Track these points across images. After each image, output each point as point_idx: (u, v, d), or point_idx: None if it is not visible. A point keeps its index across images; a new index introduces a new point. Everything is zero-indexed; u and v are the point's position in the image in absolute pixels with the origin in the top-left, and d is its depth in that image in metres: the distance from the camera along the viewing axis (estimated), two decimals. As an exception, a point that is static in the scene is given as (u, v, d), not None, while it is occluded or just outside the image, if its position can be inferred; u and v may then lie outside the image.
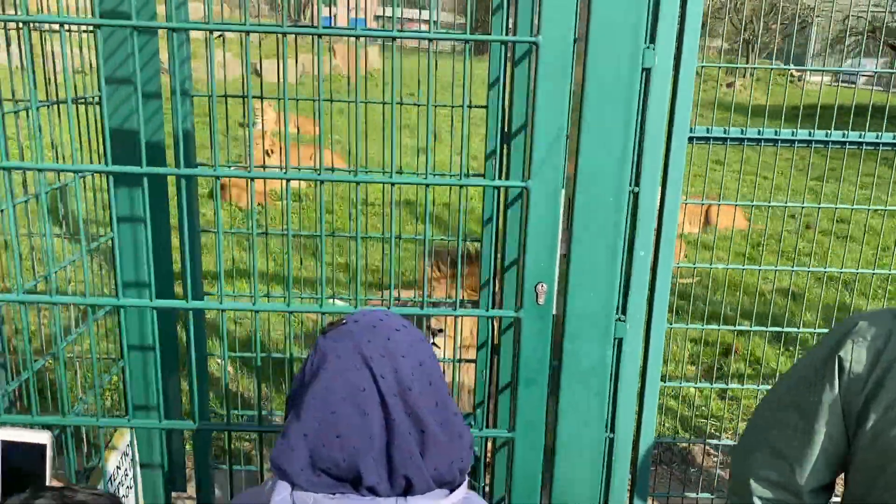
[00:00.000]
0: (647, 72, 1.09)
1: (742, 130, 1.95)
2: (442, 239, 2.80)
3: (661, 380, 1.78)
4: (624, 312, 1.19)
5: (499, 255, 2.34)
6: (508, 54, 2.18)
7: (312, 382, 0.98)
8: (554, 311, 1.20)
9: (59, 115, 2.02)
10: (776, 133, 1.95)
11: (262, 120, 9.23)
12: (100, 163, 2.19)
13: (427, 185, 1.27)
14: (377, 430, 0.95)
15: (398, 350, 0.98)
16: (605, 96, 1.09)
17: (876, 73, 2.13)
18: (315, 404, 0.97)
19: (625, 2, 1.05)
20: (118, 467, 2.16)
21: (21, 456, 1.15)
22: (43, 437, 1.16)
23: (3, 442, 1.16)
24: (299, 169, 2.50)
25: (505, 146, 2.24)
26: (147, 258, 2.07)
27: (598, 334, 1.19)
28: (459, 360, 2.82)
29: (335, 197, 7.42)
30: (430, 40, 1.24)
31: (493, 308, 2.42)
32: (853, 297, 3.48)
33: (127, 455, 2.25)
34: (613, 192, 1.13)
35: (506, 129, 2.23)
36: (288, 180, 1.35)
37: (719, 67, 2.20)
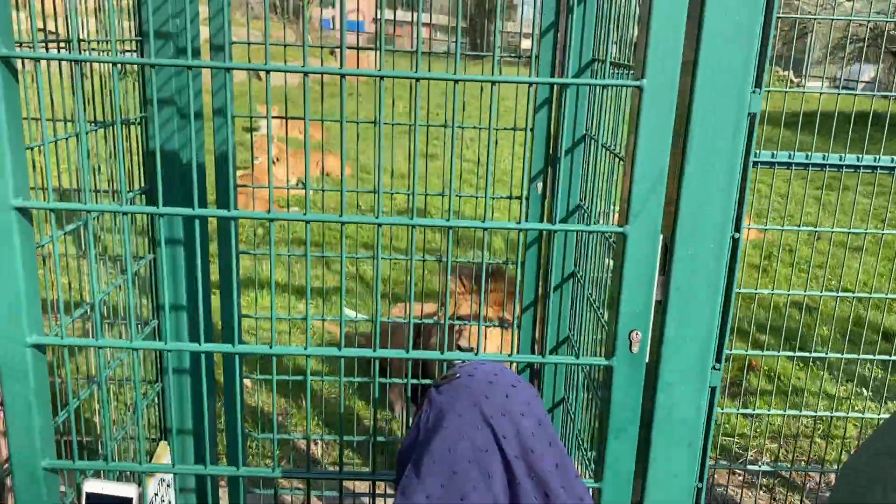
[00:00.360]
0: (752, 117, 1.05)
1: (807, 156, 1.92)
2: (469, 262, 2.77)
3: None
4: (718, 360, 1.16)
5: (541, 281, 2.32)
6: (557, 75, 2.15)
7: (431, 440, 0.95)
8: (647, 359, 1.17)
9: (105, 139, 1.98)
10: (841, 159, 1.92)
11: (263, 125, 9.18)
12: (140, 184, 2.15)
13: (485, 229, 1.23)
14: (501, 492, 0.92)
15: (517, 408, 0.95)
16: (710, 143, 1.06)
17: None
18: (437, 464, 0.93)
19: (734, 45, 1.02)
20: (156, 494, 2.12)
21: None
22: (130, 491, 1.13)
23: (89, 494, 1.13)
24: (322, 209, 2.46)
25: (550, 169, 2.22)
26: (188, 286, 2.02)
27: (693, 384, 1.15)
28: None
29: (335, 202, 7.37)
30: (493, 83, 1.21)
31: (534, 331, 2.40)
32: (868, 311, 3.46)
33: (164, 481, 2.22)
34: (715, 239, 1.10)
35: (551, 152, 2.21)
36: (307, 222, 1.31)
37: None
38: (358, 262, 5.79)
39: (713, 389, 1.19)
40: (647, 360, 1.17)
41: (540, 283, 2.28)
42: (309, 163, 1.33)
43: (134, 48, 2.11)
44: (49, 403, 1.23)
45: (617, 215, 1.32)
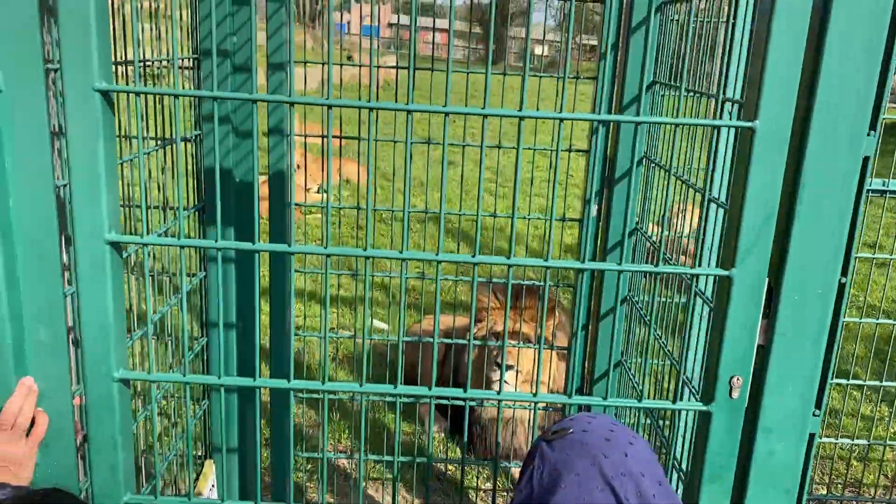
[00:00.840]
0: (865, 160, 1.03)
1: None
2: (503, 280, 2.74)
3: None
4: (818, 406, 1.13)
5: (593, 302, 2.29)
6: (615, 97, 2.13)
7: (549, 500, 0.92)
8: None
9: (166, 157, 1.96)
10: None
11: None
12: (195, 201, 2.13)
13: (547, 268, 1.20)
14: None
15: (637, 468, 0.91)
16: (822, 187, 1.03)
17: None
18: None
19: (851, 89, 0.99)
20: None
21: None
22: None
23: None
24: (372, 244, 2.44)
25: (606, 191, 2.19)
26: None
27: (794, 431, 1.13)
28: (546, 408, 2.75)
29: (363, 212, 7.35)
30: (560, 120, 1.18)
31: (585, 354, 2.37)
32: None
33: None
34: (823, 284, 1.07)
35: (607, 174, 2.19)
36: (368, 258, 1.28)
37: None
38: (382, 270, 5.77)
39: (812, 436, 1.16)
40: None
41: (592, 306, 2.25)
42: (331, 170, 1.29)
43: (190, 65, 2.10)
44: (132, 440, 1.21)
45: (692, 254, 1.30)
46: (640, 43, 2.00)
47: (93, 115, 1.01)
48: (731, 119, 1.12)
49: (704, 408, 1.14)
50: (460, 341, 2.81)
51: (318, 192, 7.84)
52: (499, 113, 1.21)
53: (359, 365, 4.18)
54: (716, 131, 1.44)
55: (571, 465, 0.92)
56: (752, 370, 1.12)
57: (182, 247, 1.12)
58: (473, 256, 1.24)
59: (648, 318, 1.91)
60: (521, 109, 1.19)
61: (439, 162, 8.56)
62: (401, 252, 1.24)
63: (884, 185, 1.92)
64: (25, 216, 1.07)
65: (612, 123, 2.08)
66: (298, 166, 8.28)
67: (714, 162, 1.90)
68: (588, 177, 2.14)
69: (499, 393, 1.27)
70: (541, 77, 2.55)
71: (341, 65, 2.71)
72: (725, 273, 1.07)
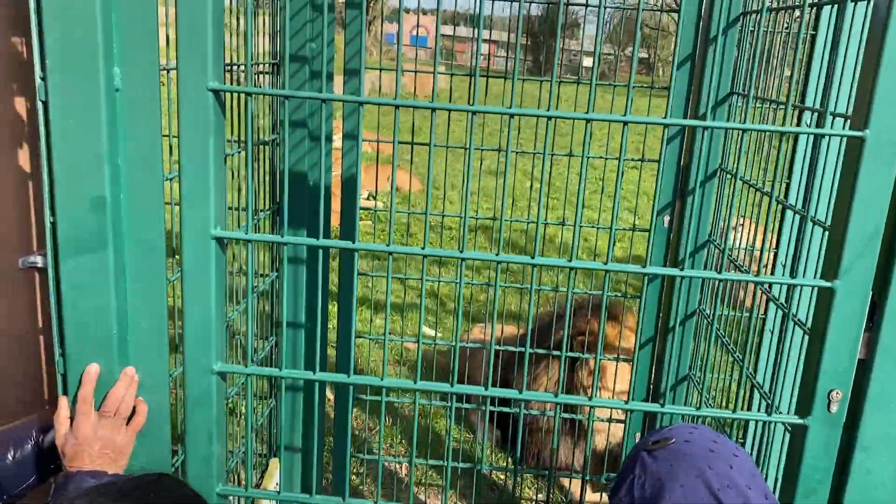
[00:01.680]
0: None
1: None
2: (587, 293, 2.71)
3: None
4: (921, 423, 1.10)
5: (662, 314, 2.27)
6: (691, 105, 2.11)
7: None
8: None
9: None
10: None
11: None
12: (267, 204, 2.17)
13: (607, 271, 1.19)
14: None
15: (742, 480, 0.90)
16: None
17: None
18: None
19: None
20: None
21: None
22: None
23: None
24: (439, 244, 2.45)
25: (678, 203, 2.17)
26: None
27: (893, 448, 1.10)
28: (610, 420, 2.73)
29: (412, 218, 7.39)
30: (666, 126, 1.17)
31: (650, 368, 2.35)
32: None
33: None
34: (930, 298, 1.04)
35: (682, 186, 2.17)
36: (424, 257, 1.28)
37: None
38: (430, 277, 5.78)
39: (915, 454, 1.13)
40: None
41: (660, 319, 2.23)
42: (395, 178, 1.30)
43: (268, 70, 2.15)
44: (225, 433, 1.24)
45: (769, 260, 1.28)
46: (716, 53, 1.98)
47: (205, 113, 1.04)
48: (839, 129, 1.10)
49: (801, 421, 1.12)
50: (510, 347, 2.80)
51: (367, 198, 7.90)
52: (566, 116, 1.21)
53: (410, 370, 4.20)
54: (793, 142, 1.42)
55: (675, 475, 0.91)
56: (851, 384, 1.10)
57: (284, 244, 1.14)
58: (533, 258, 1.24)
59: (720, 331, 1.89)
60: (588, 112, 1.20)
61: (488, 172, 8.57)
62: (460, 251, 1.24)
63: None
64: (136, 211, 1.11)
65: (686, 133, 2.07)
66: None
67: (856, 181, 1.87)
68: (658, 187, 2.12)
69: (556, 396, 1.26)
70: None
71: (402, 71, 2.74)
72: (827, 284, 1.06)
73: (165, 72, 1.18)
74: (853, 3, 1.29)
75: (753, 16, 2.00)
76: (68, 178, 1.08)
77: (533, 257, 1.24)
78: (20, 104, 1.90)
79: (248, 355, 1.18)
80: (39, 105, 1.08)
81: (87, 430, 1.15)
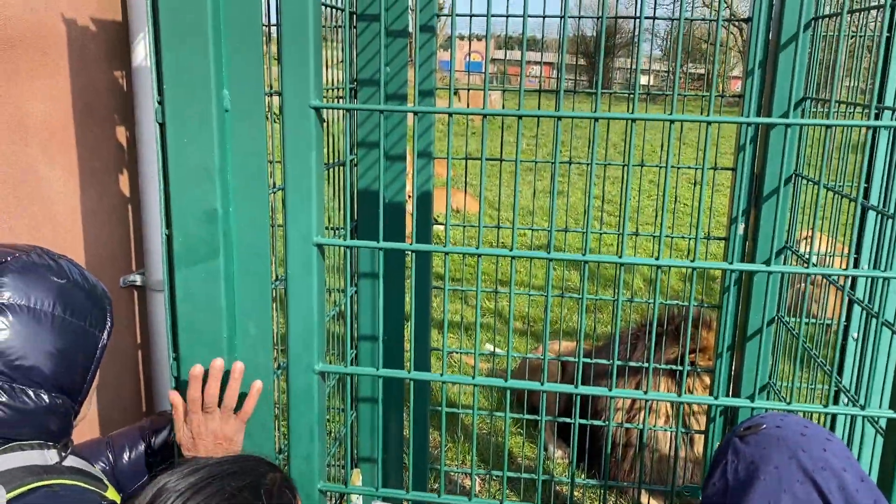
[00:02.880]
0: None
1: None
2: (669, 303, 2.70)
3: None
4: None
5: (738, 326, 2.25)
6: (762, 113, 2.12)
7: (748, 491, 0.93)
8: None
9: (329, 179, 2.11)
10: None
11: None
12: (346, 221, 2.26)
13: (694, 269, 1.21)
14: None
15: (838, 462, 0.91)
16: None
17: None
18: None
19: None
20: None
21: None
22: None
23: None
24: (510, 246, 2.51)
25: (753, 210, 2.17)
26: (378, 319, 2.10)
27: None
28: (687, 431, 2.71)
29: (469, 239, 7.45)
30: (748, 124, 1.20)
31: (729, 378, 2.34)
32: None
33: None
34: None
35: (754, 193, 2.17)
36: (478, 256, 1.32)
37: None
38: (497, 298, 5.83)
39: None
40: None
41: (738, 328, 2.21)
42: (449, 200, 1.34)
43: (342, 95, 2.25)
44: (325, 431, 1.30)
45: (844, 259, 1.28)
46: (789, 60, 1.99)
47: (308, 129, 1.13)
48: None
49: (892, 414, 1.12)
50: (568, 358, 2.80)
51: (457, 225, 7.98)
52: (650, 117, 1.24)
53: (481, 389, 4.23)
54: (871, 141, 1.42)
55: (769, 458, 0.93)
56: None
57: (381, 249, 1.21)
58: (620, 257, 1.27)
59: (798, 334, 1.87)
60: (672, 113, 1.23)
61: (544, 192, 8.58)
62: (548, 252, 1.29)
63: None
64: (244, 221, 1.19)
65: (759, 139, 2.07)
66: (410, 196, 8.48)
67: (871, 171, 1.86)
68: (734, 194, 2.13)
69: (645, 393, 1.28)
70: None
71: (455, 90, 2.80)
72: (883, 274, 1.06)
73: (269, 95, 1.27)
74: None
75: (825, 20, 2.00)
76: (182, 192, 1.17)
77: (620, 256, 1.27)
78: (121, 133, 2.04)
79: (345, 356, 1.25)
80: (156, 127, 1.17)
81: (198, 425, 1.23)
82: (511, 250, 1.31)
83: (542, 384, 1.48)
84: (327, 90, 2.14)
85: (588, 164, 1.46)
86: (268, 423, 1.29)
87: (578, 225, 8.16)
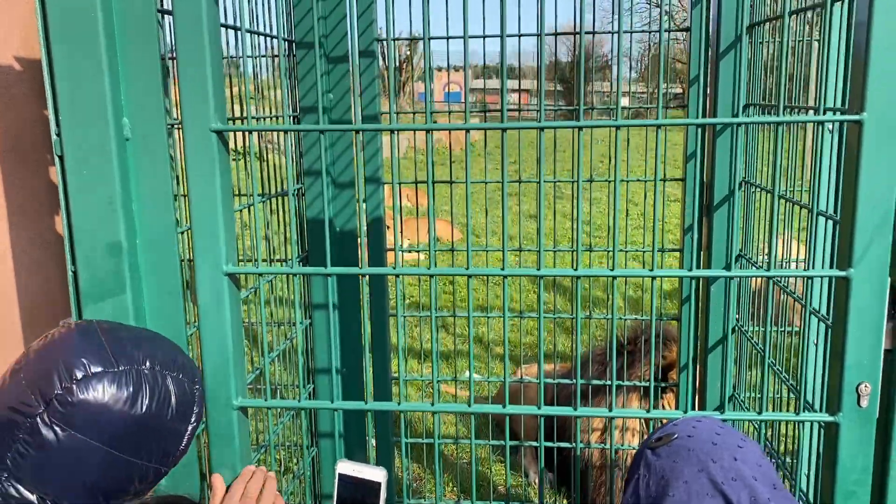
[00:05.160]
0: None
1: None
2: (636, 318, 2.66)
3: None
4: (962, 414, 1.05)
5: (699, 337, 2.22)
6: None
7: None
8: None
9: (272, 209, 2.07)
10: None
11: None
12: (299, 251, 2.22)
13: (653, 278, 1.19)
14: None
15: (748, 471, 0.87)
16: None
17: None
18: None
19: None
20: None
21: (356, 490, 1.14)
22: (379, 476, 1.14)
23: (341, 475, 1.17)
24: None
25: (706, 219, 2.14)
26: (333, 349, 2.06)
27: (936, 442, 1.05)
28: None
29: (456, 265, 7.37)
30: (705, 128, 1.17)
31: (694, 390, 2.29)
32: None
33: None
34: (952, 281, 1.01)
35: (705, 202, 2.14)
36: (470, 276, 1.29)
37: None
38: (476, 324, 5.76)
39: (959, 448, 1.07)
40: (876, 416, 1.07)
41: (699, 339, 2.18)
42: (433, 227, 1.31)
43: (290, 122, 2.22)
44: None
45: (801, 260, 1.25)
46: (729, 69, 1.98)
47: (210, 153, 1.09)
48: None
49: (831, 419, 1.08)
50: (562, 380, 2.75)
51: (409, 250, 7.98)
52: (633, 123, 1.21)
53: (460, 418, 4.16)
54: (818, 143, 1.40)
55: (679, 472, 0.88)
56: (880, 376, 1.06)
57: (295, 274, 1.17)
58: (576, 270, 1.24)
59: (760, 345, 1.84)
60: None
61: (528, 216, 8.58)
62: (502, 269, 1.25)
63: None
64: (151, 254, 1.15)
65: (707, 149, 2.05)
66: (389, 227, 8.50)
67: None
68: (685, 204, 2.10)
69: (610, 410, 1.25)
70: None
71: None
72: (842, 274, 1.03)
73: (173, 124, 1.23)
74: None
75: (761, 27, 2.00)
76: (86, 226, 1.13)
77: (576, 269, 1.24)
78: (53, 172, 2.00)
79: (267, 390, 1.20)
80: (57, 160, 1.13)
81: None
82: (467, 269, 1.28)
83: (503, 407, 1.44)
84: (262, 118, 2.11)
85: (538, 182, 1.44)
86: (190, 461, 1.23)
87: (560, 246, 8.14)
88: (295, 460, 2.36)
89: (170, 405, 1.01)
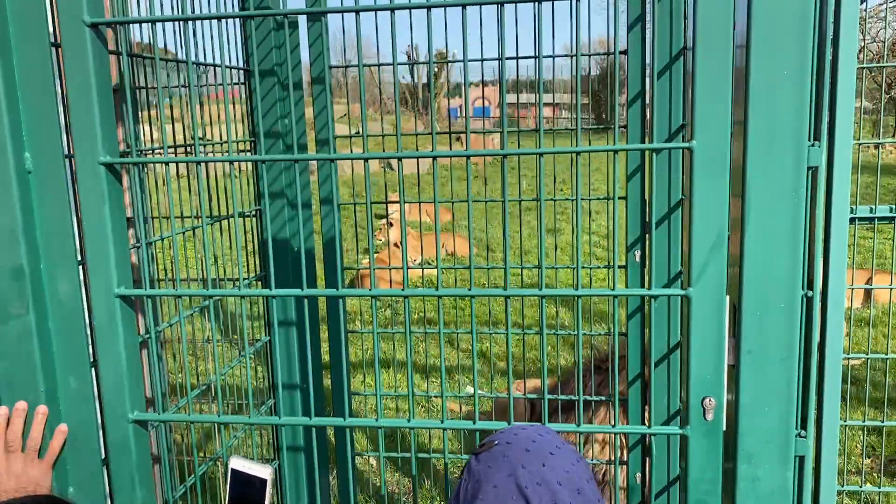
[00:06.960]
0: (813, 171, 1.02)
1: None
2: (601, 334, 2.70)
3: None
4: (804, 427, 1.08)
5: (647, 350, 2.24)
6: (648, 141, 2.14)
7: None
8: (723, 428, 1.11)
9: (222, 231, 2.16)
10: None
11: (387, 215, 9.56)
12: (256, 271, 2.31)
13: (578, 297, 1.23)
14: None
15: (554, 477, 0.92)
16: (769, 201, 1.03)
17: None
18: None
19: (783, 100, 1.00)
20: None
21: (246, 485, 1.21)
22: (266, 473, 1.21)
23: (233, 470, 1.24)
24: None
25: (647, 236, 2.18)
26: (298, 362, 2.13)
27: (776, 454, 1.08)
28: (610, 462, 2.69)
29: (458, 281, 7.45)
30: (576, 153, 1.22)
31: (643, 404, 2.31)
32: None
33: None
34: (784, 299, 1.04)
35: (647, 219, 2.18)
36: (406, 297, 1.35)
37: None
38: (482, 339, 5.80)
39: (801, 459, 1.10)
40: (724, 429, 1.11)
41: (645, 354, 2.21)
42: (438, 244, 1.38)
43: (248, 148, 2.32)
44: (151, 478, 1.33)
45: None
46: (665, 89, 2.02)
47: (99, 185, 1.18)
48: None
49: (680, 431, 1.11)
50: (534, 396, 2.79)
51: (419, 265, 8.09)
52: (554, 150, 1.26)
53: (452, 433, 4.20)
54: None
55: (491, 476, 0.93)
56: (724, 391, 1.09)
57: (242, 296, 1.25)
58: (505, 290, 1.29)
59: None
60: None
61: (535, 232, 8.59)
62: (469, 290, 1.32)
63: (871, 211, 1.88)
64: (54, 278, 1.24)
65: (646, 167, 2.09)
66: (397, 245, 8.62)
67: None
68: (627, 222, 2.14)
69: (578, 426, 1.28)
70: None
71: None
72: (682, 293, 1.07)
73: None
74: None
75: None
76: (-11, 253, 1.23)
77: (506, 289, 1.29)
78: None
79: (162, 406, 1.27)
80: (-38, 193, 1.23)
81: (1, 467, 1.24)
82: (437, 289, 1.35)
83: (474, 423, 1.49)
84: (222, 143, 2.21)
85: (502, 201, 1.49)
86: (96, 472, 1.31)
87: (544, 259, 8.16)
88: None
89: None
